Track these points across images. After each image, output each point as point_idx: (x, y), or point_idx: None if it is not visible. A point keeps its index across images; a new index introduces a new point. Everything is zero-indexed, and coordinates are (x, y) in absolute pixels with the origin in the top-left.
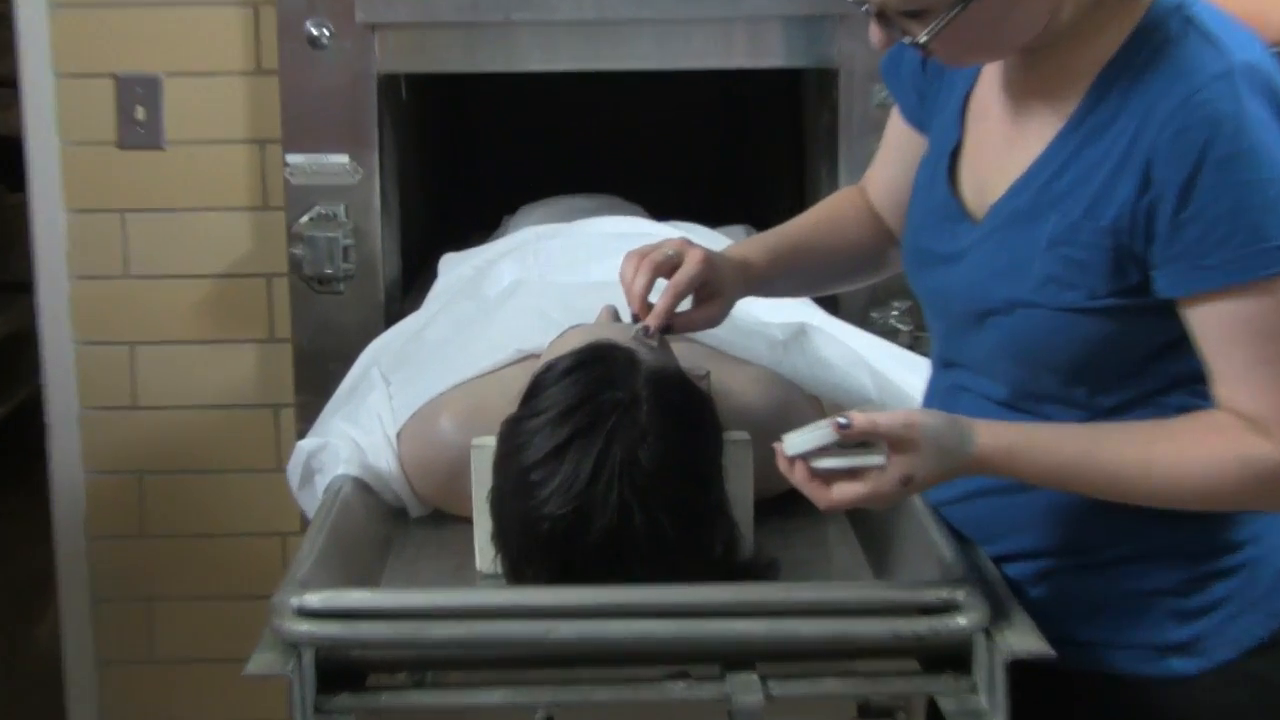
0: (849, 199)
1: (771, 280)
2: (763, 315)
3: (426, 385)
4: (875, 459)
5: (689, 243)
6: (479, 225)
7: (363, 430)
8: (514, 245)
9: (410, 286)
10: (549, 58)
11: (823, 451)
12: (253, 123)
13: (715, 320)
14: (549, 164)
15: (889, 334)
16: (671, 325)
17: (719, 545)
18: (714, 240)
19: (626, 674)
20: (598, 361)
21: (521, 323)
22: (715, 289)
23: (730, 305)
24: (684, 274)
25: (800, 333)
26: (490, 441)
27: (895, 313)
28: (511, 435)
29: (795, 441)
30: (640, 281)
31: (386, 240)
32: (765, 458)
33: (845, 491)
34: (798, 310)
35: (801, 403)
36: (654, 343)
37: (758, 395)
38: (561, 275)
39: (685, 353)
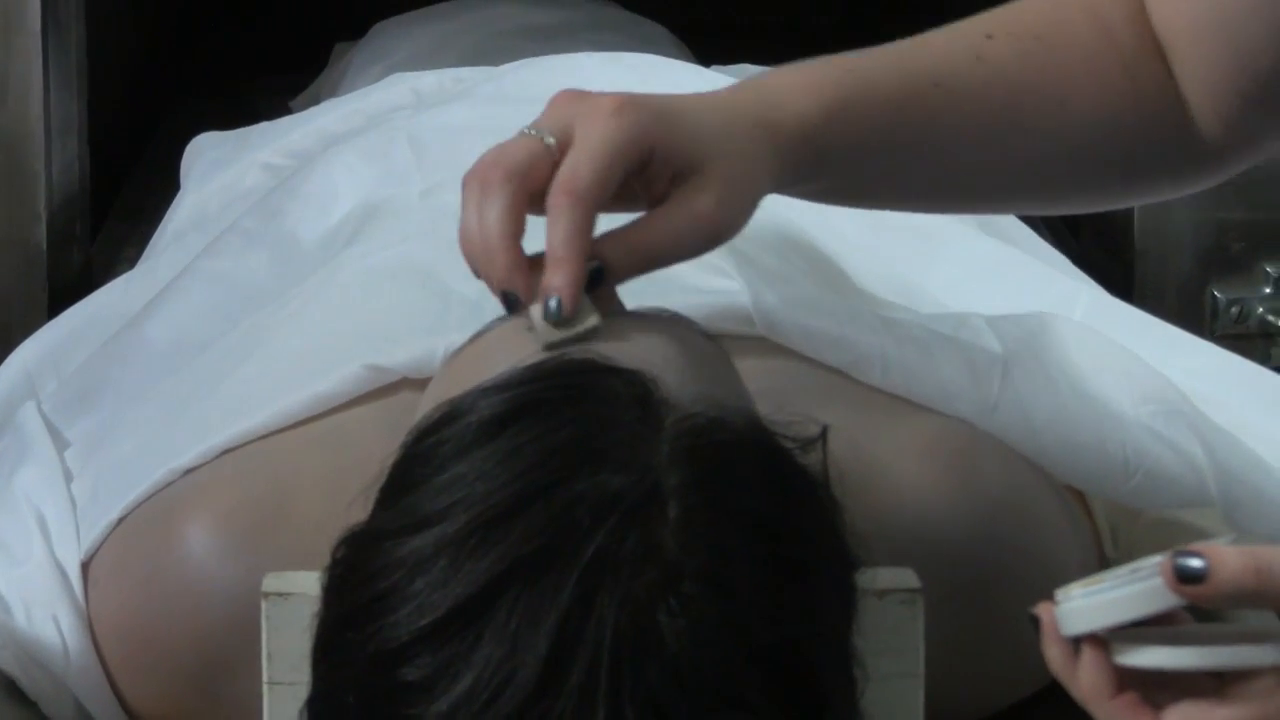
0: (1082, 16)
1: (836, 157)
2: (948, 291)
3: (152, 448)
4: (1269, 652)
5: (578, 97)
6: (280, 65)
7: (1, 554)
8: (364, 114)
9: (110, 206)
10: None
11: (1139, 630)
12: None
13: (700, 231)
14: None
15: (1257, 339)
16: (603, 266)
17: None
18: None
19: None
20: (564, 400)
21: (381, 303)
22: (681, 165)
23: (736, 199)
24: (586, 150)
25: (1044, 338)
26: (302, 585)
27: (1268, 291)
28: (359, 572)
29: (1082, 606)
30: (493, 220)
31: (58, 102)
32: (965, 629)
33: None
34: (1030, 280)
35: (1046, 503)
36: (594, 321)
37: (941, 485)
38: None
39: (773, 379)
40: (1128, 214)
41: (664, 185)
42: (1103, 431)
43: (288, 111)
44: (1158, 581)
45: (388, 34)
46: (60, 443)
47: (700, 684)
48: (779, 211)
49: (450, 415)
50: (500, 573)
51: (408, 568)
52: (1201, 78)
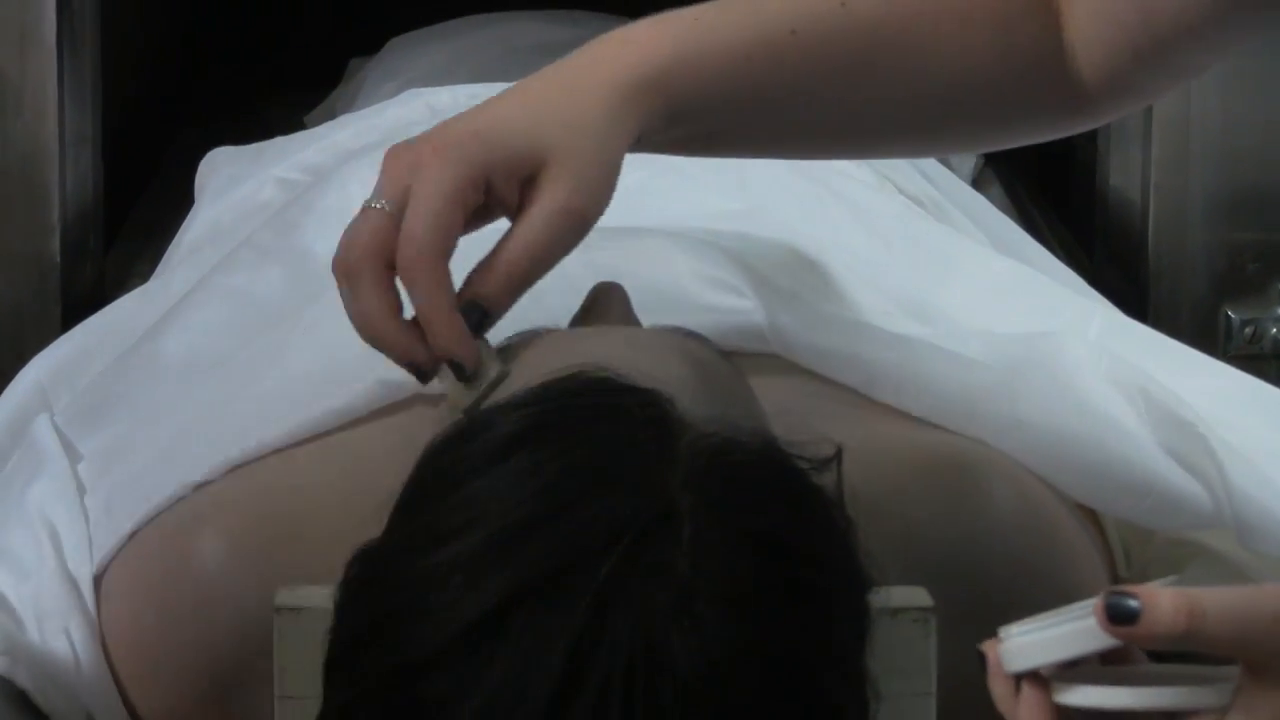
0: None
1: (688, 103)
2: (962, 309)
3: (165, 463)
4: (1204, 694)
5: (401, 153)
6: (296, 78)
7: (14, 567)
8: (379, 130)
9: (125, 221)
10: None
11: (1085, 669)
12: None
13: (564, 226)
14: None
15: (1270, 360)
16: (481, 303)
17: None
18: None
19: None
20: (579, 419)
21: None
22: (522, 170)
23: (591, 176)
24: (415, 212)
25: (1058, 358)
26: (315, 599)
27: None
28: (373, 589)
29: (1021, 643)
30: (370, 307)
31: (72, 115)
32: (979, 638)
33: None
34: (1044, 299)
35: (1060, 523)
36: (496, 369)
37: (955, 504)
38: None
39: (787, 398)
40: (1142, 235)
41: (513, 196)
42: (1117, 451)
43: (303, 127)
44: (1092, 621)
45: (403, 50)
46: (73, 456)
47: (713, 704)
48: (792, 230)
49: (465, 433)
50: (514, 591)
51: (422, 585)
52: (1097, 30)
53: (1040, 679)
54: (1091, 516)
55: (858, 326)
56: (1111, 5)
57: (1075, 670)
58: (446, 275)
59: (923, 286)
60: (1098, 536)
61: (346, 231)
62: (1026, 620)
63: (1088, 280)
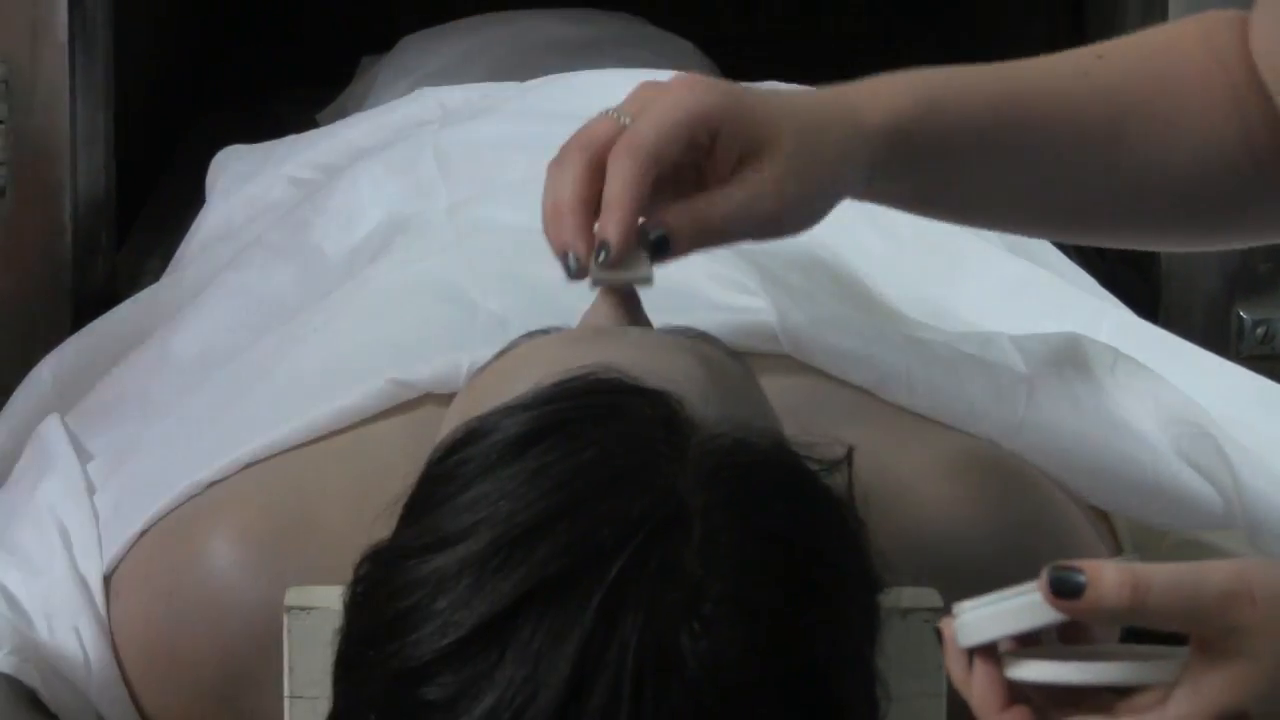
0: (1197, 44)
1: (924, 155)
2: (974, 310)
3: (175, 461)
4: (1152, 668)
5: (657, 84)
6: (307, 77)
7: (23, 565)
8: (390, 129)
9: (136, 218)
10: None
11: (1032, 644)
12: None
13: (763, 210)
14: None
15: (1279, 361)
16: (666, 234)
17: None
18: None
19: None
20: (588, 420)
21: (407, 318)
22: (748, 143)
23: (804, 183)
24: (652, 114)
25: (1069, 358)
26: (325, 599)
27: None
28: (382, 590)
29: (972, 619)
30: (565, 183)
31: (84, 111)
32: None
33: None
34: (1056, 300)
35: (1071, 523)
36: (648, 272)
37: (966, 504)
38: (503, 207)
39: (798, 398)
40: None
41: (729, 164)
42: (1128, 452)
43: (314, 125)
44: (1038, 596)
45: (415, 48)
46: (84, 455)
47: (722, 705)
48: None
49: (474, 433)
50: (523, 592)
51: (431, 586)
52: None
53: (993, 654)
54: (1103, 518)
55: (869, 327)
56: None
57: (1031, 647)
58: (648, 178)
59: (935, 286)
60: (1109, 537)
61: (582, 127)
62: (981, 596)
63: (1100, 280)
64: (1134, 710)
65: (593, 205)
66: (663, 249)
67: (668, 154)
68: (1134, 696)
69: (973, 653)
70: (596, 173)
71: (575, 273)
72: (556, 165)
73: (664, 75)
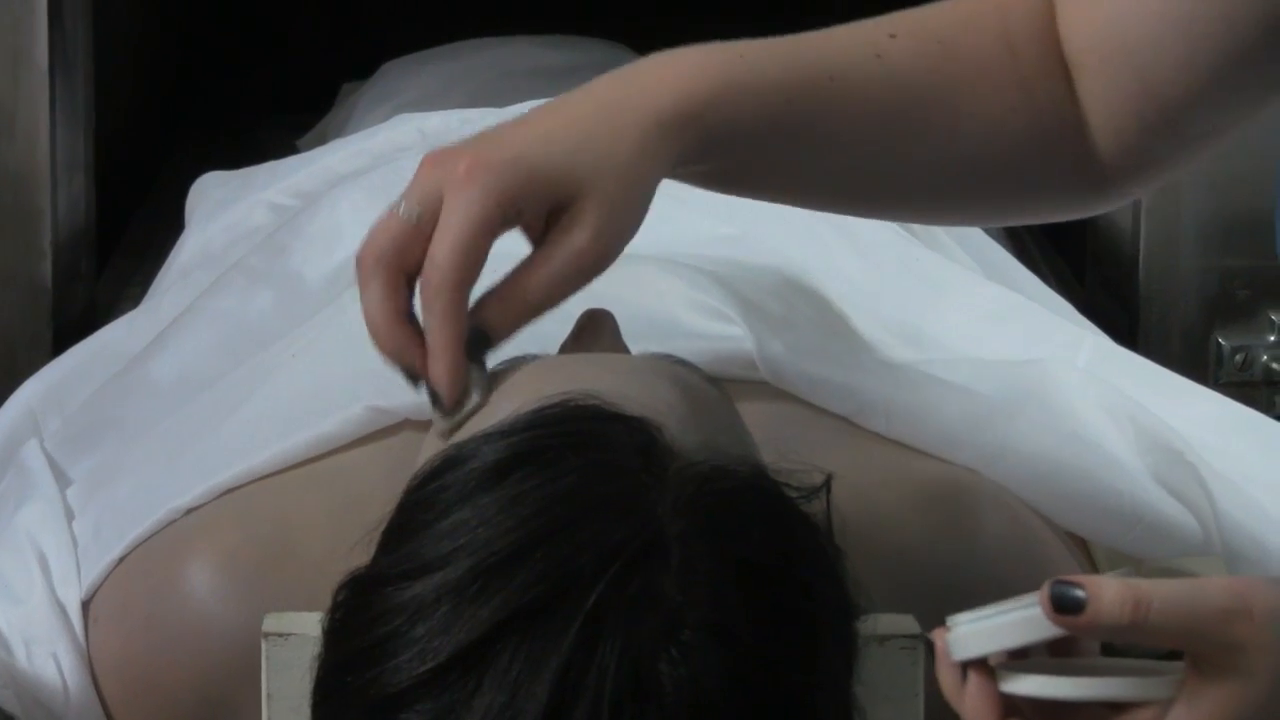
0: (991, 27)
1: (721, 138)
2: (953, 336)
3: (154, 488)
4: (1150, 685)
5: (439, 161)
6: (287, 104)
7: (2, 591)
8: (370, 155)
9: (116, 244)
10: None
11: (1022, 657)
12: None
13: (583, 265)
14: None
15: (1261, 387)
16: (486, 330)
17: None
18: None
19: None
20: (566, 448)
21: None
22: (553, 202)
23: (619, 210)
24: (443, 237)
25: (1048, 385)
26: (303, 625)
27: (1273, 339)
28: (360, 616)
29: (968, 632)
30: (373, 306)
31: (64, 138)
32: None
33: None
34: (1034, 326)
35: (1049, 551)
36: (475, 400)
37: (944, 532)
38: None
39: (776, 425)
40: (1133, 261)
41: (539, 224)
42: (1106, 480)
43: (294, 151)
44: (1038, 610)
45: (395, 74)
46: (63, 481)
47: None
48: (784, 254)
49: (453, 460)
50: (501, 620)
51: (409, 613)
52: (1104, 100)
53: (987, 667)
54: (1080, 544)
55: (848, 354)
56: (1113, 73)
57: (1023, 660)
58: (463, 308)
59: (914, 312)
60: (1087, 565)
61: (371, 230)
62: (975, 609)
63: (1079, 307)
64: None
65: (404, 314)
66: (481, 345)
67: (471, 274)
68: (1130, 712)
69: (965, 666)
70: (398, 283)
71: (418, 384)
72: (361, 286)
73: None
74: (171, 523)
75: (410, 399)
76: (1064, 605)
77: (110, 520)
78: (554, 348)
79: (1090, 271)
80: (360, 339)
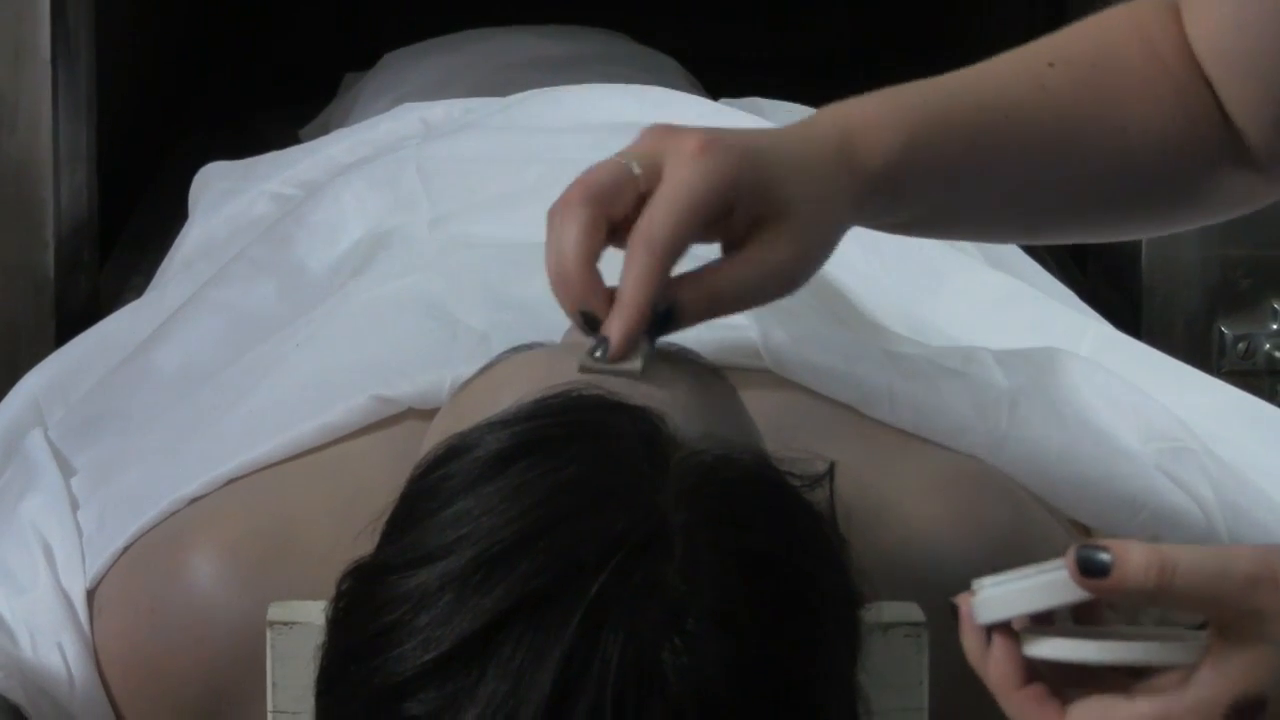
0: (1134, 44)
1: (915, 189)
2: (957, 325)
3: (158, 477)
4: (1175, 650)
5: (668, 132)
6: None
7: (7, 581)
8: (372, 145)
9: (119, 235)
10: None
11: (1044, 623)
12: None
13: (776, 281)
14: None
15: (1264, 376)
16: (674, 309)
17: None
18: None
19: None
20: (570, 437)
21: (389, 334)
22: (763, 210)
23: (816, 244)
24: (667, 198)
25: (1052, 373)
26: (307, 614)
27: (1275, 328)
28: (364, 605)
29: (993, 595)
30: (569, 241)
31: (67, 130)
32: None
33: (1095, 716)
34: (1037, 315)
35: (1051, 539)
36: (635, 365)
37: (948, 520)
38: (486, 222)
39: (780, 414)
40: (1135, 249)
41: (744, 228)
42: (1110, 468)
43: (296, 141)
44: (1064, 573)
45: (397, 64)
46: (67, 470)
47: None
48: None
49: (456, 450)
50: (505, 609)
51: (413, 602)
52: (1239, 105)
53: (1011, 631)
54: (1084, 533)
55: (852, 344)
56: (1241, 81)
57: (1047, 626)
58: (665, 273)
59: (917, 301)
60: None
61: (587, 169)
62: (1000, 574)
63: (1081, 295)
64: (1153, 690)
65: (597, 258)
66: (666, 322)
67: (683, 245)
68: (1153, 677)
69: (990, 630)
70: (601, 227)
71: (593, 329)
72: (560, 216)
73: (651, 93)
74: (176, 512)
75: (414, 390)
76: (1090, 569)
77: (115, 510)
78: (558, 337)
79: (1093, 260)
80: (365, 328)
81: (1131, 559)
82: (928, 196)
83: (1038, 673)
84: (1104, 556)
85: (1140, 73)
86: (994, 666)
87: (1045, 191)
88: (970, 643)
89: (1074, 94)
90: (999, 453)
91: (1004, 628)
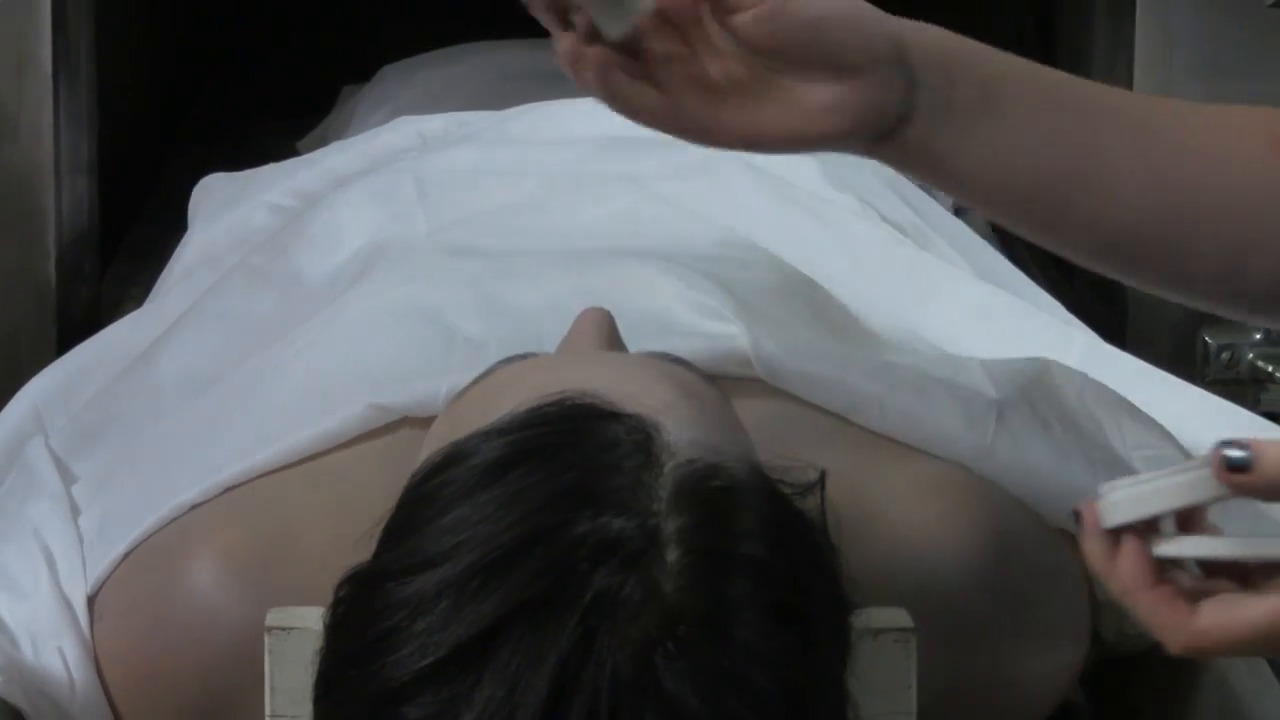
0: (1268, 151)
1: (969, 99)
2: (945, 335)
3: (158, 484)
4: None
5: None
6: (288, 107)
7: (9, 586)
8: (370, 157)
9: (120, 244)
10: None
11: (1177, 525)
12: None
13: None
14: None
15: (1248, 385)
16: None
17: None
18: None
19: None
20: (565, 445)
21: (386, 343)
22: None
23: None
24: None
25: (1039, 382)
26: (306, 619)
27: (1259, 337)
28: (362, 611)
29: (1127, 496)
30: None
31: (68, 141)
32: (957, 673)
33: (1231, 618)
34: (1024, 325)
35: (1038, 548)
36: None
37: (936, 527)
38: (482, 233)
39: (771, 423)
40: None
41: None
42: (1097, 476)
43: (295, 153)
44: (1205, 471)
45: (395, 77)
46: (68, 478)
47: None
48: (778, 255)
49: (453, 458)
50: (502, 614)
51: (410, 608)
52: None
53: (1140, 534)
54: (1068, 540)
55: (842, 353)
56: None
57: (1171, 532)
58: None
59: (905, 312)
60: (1074, 560)
61: None
62: (1126, 478)
63: (1068, 307)
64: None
65: None
66: None
67: None
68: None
69: (1120, 532)
70: None
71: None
72: None
73: None
74: (176, 519)
75: (410, 398)
76: (1233, 465)
77: (115, 516)
78: (552, 346)
79: (1078, 271)
80: (362, 337)
81: (1269, 454)
82: (971, 116)
83: (1170, 576)
84: (1244, 454)
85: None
86: (1124, 567)
87: (1134, 206)
88: (1094, 548)
89: (1193, 195)
90: (987, 461)
91: (1132, 529)
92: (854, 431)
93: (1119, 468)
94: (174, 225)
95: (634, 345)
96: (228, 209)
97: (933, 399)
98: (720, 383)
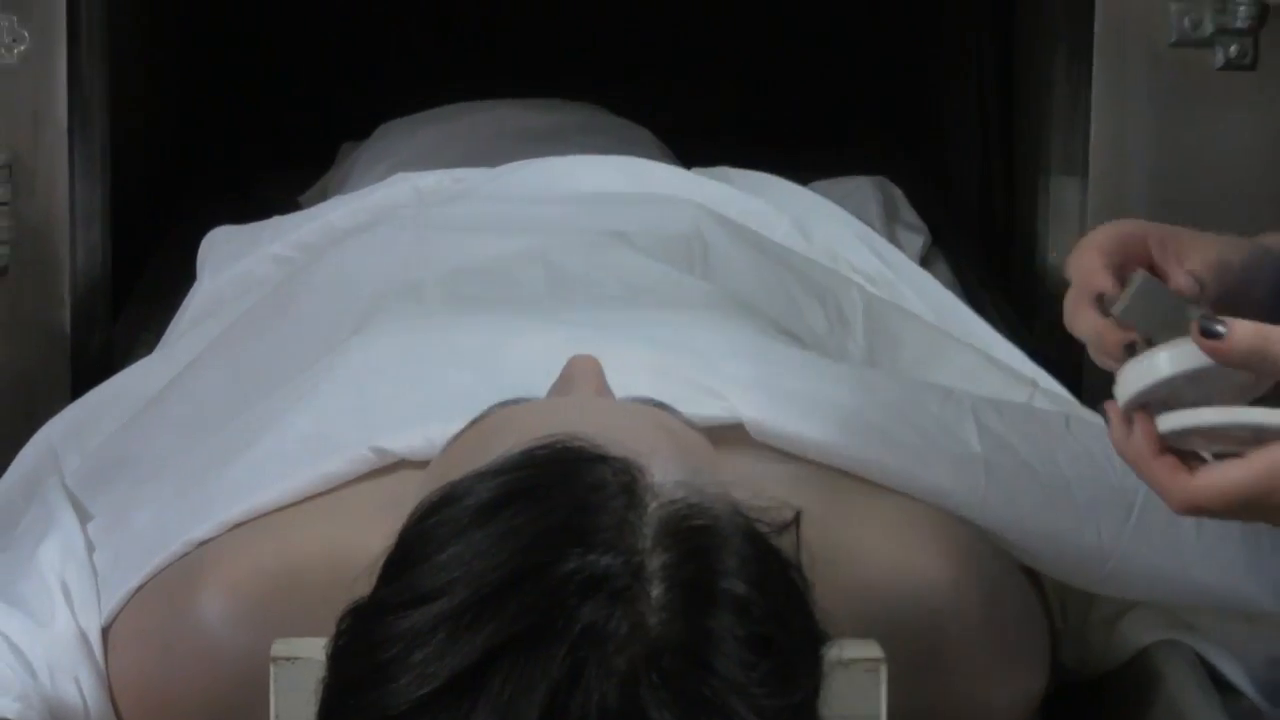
0: None
1: None
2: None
3: (169, 522)
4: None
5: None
6: (290, 162)
7: (28, 618)
8: (368, 212)
9: (131, 292)
10: None
11: (1179, 397)
12: None
13: None
14: (439, 36)
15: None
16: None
17: None
18: (792, 201)
19: None
20: (555, 485)
21: (386, 389)
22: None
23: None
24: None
25: (1021, 425)
26: (309, 650)
27: None
28: (363, 642)
29: (1128, 371)
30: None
31: (82, 193)
32: (923, 700)
33: (1219, 480)
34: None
35: (1002, 579)
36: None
37: (906, 560)
38: (478, 286)
39: (750, 465)
40: None
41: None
42: (1079, 519)
43: (297, 206)
44: (1183, 346)
45: (392, 134)
46: (83, 515)
47: None
48: (754, 308)
49: (449, 498)
50: (494, 646)
51: (408, 640)
52: None
53: (1148, 412)
54: (1032, 575)
55: (835, 406)
56: None
57: (1179, 396)
58: None
59: (879, 359)
60: (1039, 599)
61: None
62: (1139, 357)
63: (1027, 352)
64: (1267, 449)
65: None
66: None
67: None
68: (1267, 441)
69: (1131, 412)
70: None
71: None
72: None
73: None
74: (185, 554)
75: (409, 443)
76: (1208, 333)
77: (128, 552)
78: (543, 392)
79: (1040, 318)
80: (363, 383)
81: (1239, 327)
82: None
83: (1168, 450)
84: (1219, 326)
85: None
86: (1134, 440)
87: None
88: (1116, 431)
89: None
90: (981, 513)
91: (1140, 408)
92: (828, 473)
93: (1117, 492)
94: (183, 273)
95: (621, 391)
96: (234, 260)
97: (927, 458)
98: (704, 431)
